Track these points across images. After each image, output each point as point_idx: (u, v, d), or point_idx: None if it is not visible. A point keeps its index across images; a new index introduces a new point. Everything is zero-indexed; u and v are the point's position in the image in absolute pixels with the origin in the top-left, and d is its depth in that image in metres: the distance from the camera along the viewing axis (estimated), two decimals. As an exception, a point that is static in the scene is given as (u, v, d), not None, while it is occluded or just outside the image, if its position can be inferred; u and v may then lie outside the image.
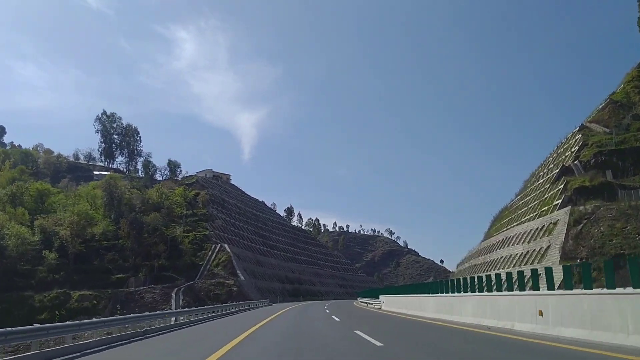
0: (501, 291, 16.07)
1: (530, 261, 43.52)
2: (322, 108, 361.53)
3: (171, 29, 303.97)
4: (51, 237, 61.89)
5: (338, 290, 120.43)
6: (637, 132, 52.92)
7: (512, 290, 13.63)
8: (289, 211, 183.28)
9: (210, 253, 68.57)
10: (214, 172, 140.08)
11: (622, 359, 7.25)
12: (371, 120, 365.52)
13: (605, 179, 47.65)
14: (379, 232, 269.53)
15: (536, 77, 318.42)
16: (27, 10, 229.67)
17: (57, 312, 40.78)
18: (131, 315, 18.05)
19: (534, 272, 13.38)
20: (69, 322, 12.38)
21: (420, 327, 15.08)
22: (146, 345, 12.91)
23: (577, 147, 55.92)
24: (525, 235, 49.20)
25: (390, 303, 28.82)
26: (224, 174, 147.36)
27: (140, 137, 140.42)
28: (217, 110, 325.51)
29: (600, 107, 65.45)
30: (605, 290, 9.06)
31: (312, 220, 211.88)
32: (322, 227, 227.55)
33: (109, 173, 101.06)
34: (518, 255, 47.87)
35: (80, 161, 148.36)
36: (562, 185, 50.32)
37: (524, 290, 12.87)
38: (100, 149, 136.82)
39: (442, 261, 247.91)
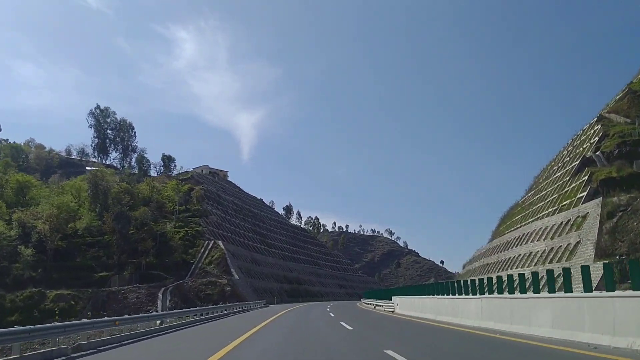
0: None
1: (556, 259, 40.01)
2: (322, 108, 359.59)
3: (171, 29, 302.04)
4: (30, 232, 56.99)
5: (338, 291, 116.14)
6: (661, 122, 49.11)
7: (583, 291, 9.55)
8: (288, 209, 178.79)
9: (202, 250, 63.68)
10: (210, 168, 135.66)
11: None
12: (371, 121, 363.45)
13: (633, 169, 44.40)
14: (378, 232, 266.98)
15: (534, 76, 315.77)
16: (27, 10, 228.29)
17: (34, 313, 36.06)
18: (105, 318, 15.56)
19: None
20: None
21: (487, 344, 10.34)
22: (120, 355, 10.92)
23: (597, 138, 53.50)
24: (546, 231, 45.65)
25: (406, 305, 24.23)
26: (221, 171, 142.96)
27: (135, 132, 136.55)
28: (216, 110, 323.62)
29: (618, 97, 63.01)
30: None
31: (312, 218, 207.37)
32: (322, 227, 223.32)
33: (107, 170, 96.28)
34: (540, 252, 44.33)
35: (73, 157, 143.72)
36: (586, 177, 47.03)
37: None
38: (93, 144, 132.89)
39: (442, 262, 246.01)
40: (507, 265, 50.81)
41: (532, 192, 67.21)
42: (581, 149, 56.10)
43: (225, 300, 48.44)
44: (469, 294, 15.51)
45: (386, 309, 29.46)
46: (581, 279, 10.08)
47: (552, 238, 43.09)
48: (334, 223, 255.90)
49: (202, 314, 27.30)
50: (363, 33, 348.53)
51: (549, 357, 8.09)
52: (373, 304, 38.01)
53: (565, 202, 47.44)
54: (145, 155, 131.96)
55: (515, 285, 12.79)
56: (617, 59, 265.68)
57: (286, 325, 18.88)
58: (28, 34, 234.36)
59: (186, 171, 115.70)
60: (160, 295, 49.47)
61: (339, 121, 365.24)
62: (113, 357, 10.58)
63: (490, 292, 14.82)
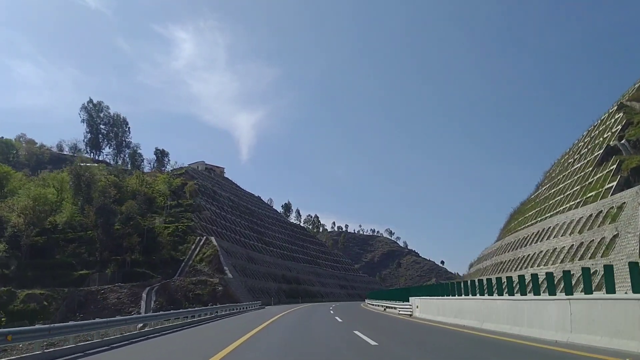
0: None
1: (588, 254, 35.99)
2: (321, 108, 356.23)
3: (170, 29, 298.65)
4: (5, 226, 52.02)
5: (339, 292, 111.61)
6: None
7: None
8: (287, 207, 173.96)
9: (193, 246, 58.77)
10: (206, 164, 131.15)
11: None
12: (370, 121, 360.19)
13: (665, 156, 41.14)
14: (378, 232, 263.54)
15: (534, 76, 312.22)
16: (26, 9, 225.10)
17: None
18: (70, 323, 13.37)
19: None
20: None
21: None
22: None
23: (619, 127, 51.35)
24: (572, 225, 41.87)
25: (432, 308, 19.59)
26: (218, 167, 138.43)
27: (129, 128, 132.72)
28: (215, 111, 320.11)
29: (637, 86, 60.70)
30: None
31: (311, 217, 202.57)
32: (321, 227, 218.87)
33: (95, 165, 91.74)
34: (567, 247, 40.39)
35: (65, 152, 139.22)
36: (614, 166, 43.81)
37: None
38: (85, 140, 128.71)
39: (442, 262, 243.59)
40: (526, 263, 47.11)
41: (546, 186, 64.34)
42: (601, 138, 54.05)
43: (216, 301, 43.74)
44: (538, 294, 10.94)
45: (401, 312, 24.82)
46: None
47: (580, 232, 39.44)
48: (333, 223, 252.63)
49: (177, 318, 22.67)
50: (362, 33, 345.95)
51: None
52: (382, 306, 33.38)
53: (590, 194, 44.60)
54: (139, 151, 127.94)
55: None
56: (618, 60, 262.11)
57: (281, 335, 14.23)
58: (27, 34, 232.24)
59: (181, 167, 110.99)
60: (144, 295, 44.62)
61: (339, 121, 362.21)
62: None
63: (569, 291, 10.25)
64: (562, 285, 19.50)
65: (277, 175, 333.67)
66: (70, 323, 13.11)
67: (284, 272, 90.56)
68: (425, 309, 20.32)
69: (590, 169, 49.54)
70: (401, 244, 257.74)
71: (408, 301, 23.44)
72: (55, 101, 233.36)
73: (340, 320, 20.50)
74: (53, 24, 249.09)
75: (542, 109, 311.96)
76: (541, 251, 45.00)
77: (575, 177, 52.83)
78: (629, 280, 9.05)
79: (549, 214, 52.36)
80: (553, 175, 66.64)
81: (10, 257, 48.27)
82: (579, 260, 35.92)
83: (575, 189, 50.35)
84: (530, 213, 62.73)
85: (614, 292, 8.99)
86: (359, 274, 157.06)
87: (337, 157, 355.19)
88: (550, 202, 55.92)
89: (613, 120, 54.29)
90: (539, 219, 55.19)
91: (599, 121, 59.95)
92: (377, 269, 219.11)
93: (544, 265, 41.80)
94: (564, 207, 49.31)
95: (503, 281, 21.53)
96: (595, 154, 50.95)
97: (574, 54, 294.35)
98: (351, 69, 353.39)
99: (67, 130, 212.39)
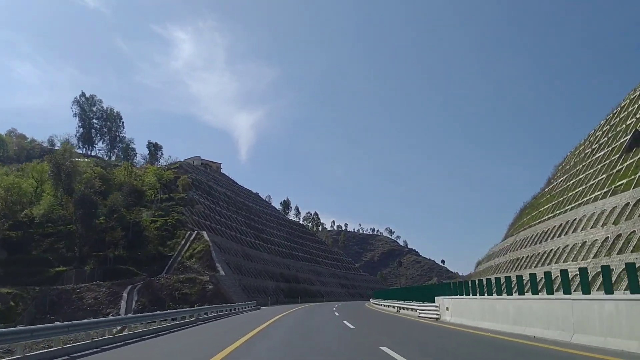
0: None
1: (625, 248, 31.84)
2: (321, 108, 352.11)
3: (169, 29, 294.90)
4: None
5: (339, 291, 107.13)
6: None
7: None
8: (286, 204, 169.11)
9: (182, 241, 54.07)
10: (202, 159, 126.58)
11: None
12: (370, 121, 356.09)
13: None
14: (378, 231, 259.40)
15: (534, 76, 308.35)
16: (24, 9, 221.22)
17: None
18: (21, 327, 10.31)
19: None
20: None
21: None
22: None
23: None
24: (604, 216, 37.68)
25: (469, 311, 15.05)
26: (214, 162, 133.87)
27: (123, 122, 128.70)
28: (214, 111, 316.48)
29: None
30: None
31: (311, 214, 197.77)
32: (321, 226, 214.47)
33: (86, 160, 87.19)
34: (600, 240, 36.03)
35: (57, 147, 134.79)
36: None
37: None
38: (78, 134, 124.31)
39: (443, 261, 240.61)
40: (549, 259, 42.81)
41: (562, 178, 60.21)
42: (624, 125, 49.72)
43: (205, 300, 39.17)
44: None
45: (422, 315, 20.27)
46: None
47: (615, 223, 35.13)
48: (333, 222, 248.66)
49: (150, 322, 18.17)
50: (362, 33, 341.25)
51: None
52: (394, 306, 28.80)
53: (620, 182, 40.40)
54: (132, 145, 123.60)
55: None
56: (618, 60, 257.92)
57: (280, 346, 9.61)
58: (25, 34, 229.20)
59: (175, 161, 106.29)
60: (125, 294, 39.94)
61: (338, 121, 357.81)
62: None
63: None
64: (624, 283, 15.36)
65: (276, 175, 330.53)
66: (21, 327, 10.07)
67: (283, 270, 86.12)
68: (461, 311, 15.75)
69: (617, 156, 45.47)
70: (401, 243, 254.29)
71: (433, 301, 18.88)
72: (54, 101, 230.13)
73: (351, 326, 15.99)
74: (52, 24, 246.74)
75: (542, 109, 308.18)
76: (567, 245, 40.78)
77: (599, 166, 48.71)
78: None
79: (570, 206, 48.28)
80: (567, 167, 62.62)
81: (-20, 252, 43.78)
82: (618, 254, 31.64)
83: (600, 177, 46.26)
84: (545, 207, 58.64)
85: None
86: (360, 273, 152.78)
87: (337, 157, 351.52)
88: (570, 194, 51.76)
89: (637, 105, 50.29)
90: (558, 211, 51.15)
91: (620, 108, 55.97)
92: (377, 268, 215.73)
93: (572, 260, 37.53)
94: (589, 197, 45.17)
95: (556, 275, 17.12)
96: (622, 140, 46.90)
97: (574, 53, 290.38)
98: (351, 69, 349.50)
99: (66, 130, 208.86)
